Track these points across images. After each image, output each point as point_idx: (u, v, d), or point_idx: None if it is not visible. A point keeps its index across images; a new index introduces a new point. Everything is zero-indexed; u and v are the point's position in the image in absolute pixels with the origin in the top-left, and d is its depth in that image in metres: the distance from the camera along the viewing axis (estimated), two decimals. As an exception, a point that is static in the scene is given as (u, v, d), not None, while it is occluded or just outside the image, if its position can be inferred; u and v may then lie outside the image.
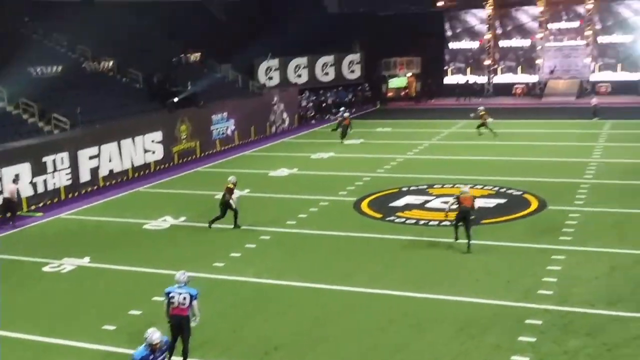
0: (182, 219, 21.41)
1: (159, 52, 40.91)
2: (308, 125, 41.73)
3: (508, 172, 25.58)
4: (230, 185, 20.05)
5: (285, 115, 40.46)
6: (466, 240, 16.89)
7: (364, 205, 22.03)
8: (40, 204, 23.94)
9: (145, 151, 29.06)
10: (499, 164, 27.66)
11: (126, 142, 27.92)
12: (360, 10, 52.40)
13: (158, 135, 29.61)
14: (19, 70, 30.01)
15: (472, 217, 17.39)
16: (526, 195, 22.29)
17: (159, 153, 29.79)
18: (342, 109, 36.68)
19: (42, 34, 36.33)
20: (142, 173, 28.73)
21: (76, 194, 25.40)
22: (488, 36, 51.24)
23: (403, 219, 20.28)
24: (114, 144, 27.27)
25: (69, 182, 25.16)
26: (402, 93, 52.21)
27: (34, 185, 23.78)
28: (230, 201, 19.81)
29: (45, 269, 17.16)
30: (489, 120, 32.72)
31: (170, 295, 11.49)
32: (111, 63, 35.40)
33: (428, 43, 50.76)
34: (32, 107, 28.37)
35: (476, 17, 51.78)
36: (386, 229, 19.36)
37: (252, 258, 17.35)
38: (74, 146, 25.49)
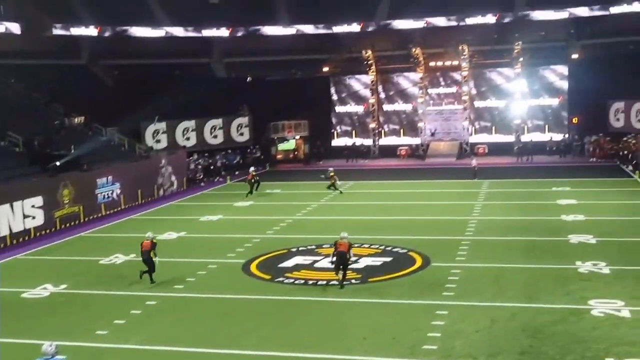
0: (63, 286, 20.55)
1: (40, 115, 39.95)
2: (197, 188, 41.37)
3: (394, 231, 26.25)
4: (151, 241, 20.30)
5: (173, 178, 40.03)
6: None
7: (253, 267, 21.96)
8: None
9: (25, 217, 27.84)
10: (386, 223, 28.34)
11: (3, 208, 26.65)
12: (247, 76, 53.12)
13: (38, 200, 28.50)
14: None
15: (350, 259, 19.36)
16: (411, 253, 22.91)
17: (39, 218, 28.64)
18: (251, 168, 37.59)
19: None
20: (21, 240, 27.46)
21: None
22: (372, 100, 53.07)
23: (292, 280, 20.33)
24: (-10, 210, 25.99)
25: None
26: (291, 155, 52.90)
27: None
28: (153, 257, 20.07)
29: None
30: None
31: None
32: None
33: (315, 107, 52.02)
34: None
35: (360, 82, 53.64)
36: (275, 290, 19.34)
37: (138, 325, 16.85)
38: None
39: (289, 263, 22.30)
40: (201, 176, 43.37)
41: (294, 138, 52.50)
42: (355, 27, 55.43)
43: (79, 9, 51.84)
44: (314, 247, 24.43)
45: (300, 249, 24.27)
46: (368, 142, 53.25)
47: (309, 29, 55.90)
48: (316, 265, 21.92)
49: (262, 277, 20.81)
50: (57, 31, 48.15)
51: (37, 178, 30.39)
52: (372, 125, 53.24)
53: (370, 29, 55.13)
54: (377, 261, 22.02)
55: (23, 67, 45.68)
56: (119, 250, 24.93)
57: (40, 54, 48.23)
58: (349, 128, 54.04)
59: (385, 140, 53.40)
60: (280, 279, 20.50)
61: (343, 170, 46.38)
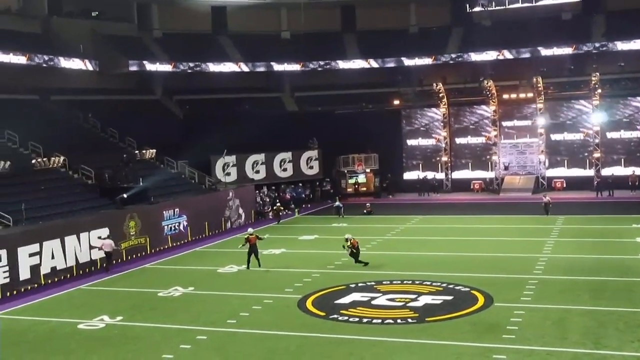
0: (119, 318, 20.61)
1: (114, 148, 40.94)
2: (265, 221, 41.39)
3: (459, 268, 25.37)
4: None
5: (241, 210, 40.17)
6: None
7: (309, 303, 21.49)
8: (-26, 304, 22.98)
9: (91, 248, 28.32)
10: (451, 259, 27.46)
11: (70, 239, 27.19)
12: (317, 109, 53.19)
13: (104, 232, 28.93)
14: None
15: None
16: (474, 292, 21.96)
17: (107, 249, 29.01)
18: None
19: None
20: (87, 270, 27.92)
21: (14, 292, 24.45)
22: (444, 134, 52.15)
23: (346, 317, 19.75)
24: (57, 241, 26.52)
25: (7, 280, 24.24)
26: (362, 189, 52.38)
27: (-32, 283, 22.88)
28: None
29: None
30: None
31: None
32: (62, 159, 35.11)
33: (385, 140, 51.51)
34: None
35: (431, 115, 52.83)
36: (329, 328, 18.79)
37: (185, 360, 16.63)
38: (13, 243, 24.73)
39: (345, 299, 21.73)
40: (269, 209, 43.35)
41: (365, 171, 52.01)
42: (426, 60, 55.01)
43: (153, 46, 53.46)
44: (373, 283, 23.78)
45: (359, 285, 23.67)
46: (440, 175, 52.21)
47: (379, 62, 55.86)
48: (373, 302, 21.27)
49: (316, 314, 20.30)
50: (132, 68, 49.51)
51: (104, 210, 30.93)
52: (444, 158, 52.24)
53: (441, 61, 54.55)
54: (437, 299, 21.19)
55: (99, 102, 47.13)
56: (178, 282, 24.98)
57: (116, 90, 49.69)
58: (419, 161, 53.15)
59: (457, 174, 52.23)
60: (335, 315, 19.95)
61: (413, 204, 45.73)
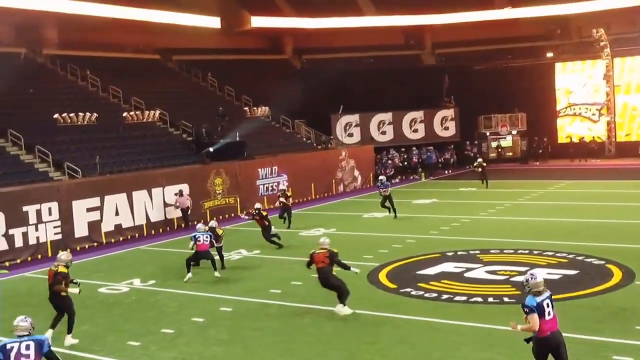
0: (150, 282, 17.11)
1: (225, 107, 37.82)
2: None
3: (599, 237, 19.50)
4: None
5: (356, 172, 35.82)
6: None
7: (383, 273, 16.78)
8: (19, 260, 20.54)
9: (166, 205, 25.24)
10: (590, 226, 21.53)
11: (139, 194, 24.22)
12: (455, 64, 47.30)
13: (182, 188, 25.75)
14: (45, 117, 27.93)
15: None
16: (609, 265, 16.17)
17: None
18: (381, 178, 26.63)
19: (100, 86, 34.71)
20: (160, 230, 24.90)
21: (68, 250, 21.71)
22: (607, 89, 44.40)
23: (422, 292, 14.85)
24: (122, 196, 23.63)
25: (58, 236, 21.61)
26: (508, 153, 45.98)
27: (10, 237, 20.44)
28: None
29: None
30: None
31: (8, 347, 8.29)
32: (157, 113, 32.56)
33: (534, 99, 44.72)
34: (46, 154, 25.77)
35: (591, 70, 45.18)
36: (389, 304, 14.06)
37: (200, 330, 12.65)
38: (67, 196, 22.04)
39: (432, 270, 16.79)
40: (392, 172, 38.63)
41: (510, 133, 45.57)
42: (586, 6, 47.08)
43: (279, 1, 49.98)
44: (477, 252, 18.56)
45: (460, 253, 18.57)
46: (600, 138, 44.63)
47: (530, 11, 48.68)
48: (467, 275, 16.18)
49: (385, 286, 15.58)
50: (256, 24, 46.30)
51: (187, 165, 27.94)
52: (607, 119, 44.52)
53: (603, 7, 46.46)
54: (555, 274, 15.66)
55: (219, 62, 44.50)
56: (247, 245, 21.23)
57: (237, 50, 46.88)
58: (575, 122, 45.77)
59: (622, 137, 44.36)
60: (408, 289, 15.12)
61: (564, 170, 39.08)
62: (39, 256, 21.13)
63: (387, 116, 42.94)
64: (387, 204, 25.20)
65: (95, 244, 22.64)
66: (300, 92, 41.30)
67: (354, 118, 42.00)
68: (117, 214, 23.51)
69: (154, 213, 24.84)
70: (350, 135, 41.72)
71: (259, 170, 29.71)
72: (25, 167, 25.38)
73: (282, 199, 24.68)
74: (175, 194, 25.01)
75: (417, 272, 16.63)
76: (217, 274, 17.10)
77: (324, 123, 40.58)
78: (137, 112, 31.99)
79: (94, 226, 22.70)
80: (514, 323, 8.98)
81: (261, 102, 39.80)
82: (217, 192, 27.50)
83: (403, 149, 41.59)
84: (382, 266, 17.41)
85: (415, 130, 43.83)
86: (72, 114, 28.93)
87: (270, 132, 37.67)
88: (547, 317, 8.74)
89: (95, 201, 22.82)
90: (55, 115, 28.43)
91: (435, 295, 14.54)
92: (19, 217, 20.59)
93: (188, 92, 38.86)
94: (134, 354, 11.84)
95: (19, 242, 20.56)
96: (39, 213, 21.14)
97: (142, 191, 24.41)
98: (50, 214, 21.48)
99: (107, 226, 23.15)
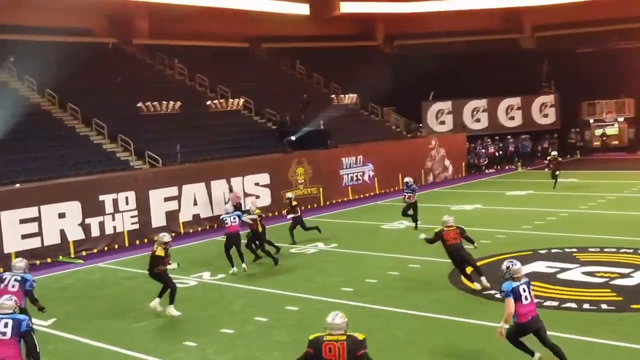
0: (220, 276, 16.40)
1: (313, 95, 36.89)
2: (478, 175, 35.04)
3: None
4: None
5: (447, 162, 34.19)
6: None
7: (467, 272, 15.34)
8: (95, 250, 20.37)
9: (246, 195, 24.60)
10: None
11: (218, 184, 23.67)
12: (556, 47, 44.51)
13: (263, 178, 25.08)
14: (129, 106, 27.95)
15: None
16: None
17: (265, 198, 25.19)
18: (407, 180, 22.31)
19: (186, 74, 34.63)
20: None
21: (145, 240, 21.45)
22: None
23: (507, 295, 13.37)
24: (200, 185, 23.13)
25: (135, 226, 21.31)
26: (613, 142, 42.93)
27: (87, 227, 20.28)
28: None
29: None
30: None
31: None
32: (241, 101, 32.05)
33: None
34: (128, 143, 25.69)
35: None
36: (467, 308, 12.71)
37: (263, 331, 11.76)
38: (144, 185, 21.71)
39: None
40: (485, 162, 36.74)
41: (616, 121, 42.51)
42: None
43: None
44: (574, 250, 16.85)
45: (554, 251, 16.92)
46: None
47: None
48: (560, 276, 14.58)
49: (467, 287, 14.20)
50: (345, 10, 45.12)
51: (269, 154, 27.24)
52: None
53: None
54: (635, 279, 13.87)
55: (308, 49, 43.64)
56: (323, 237, 20.24)
57: (327, 37, 45.89)
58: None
59: None
60: (492, 291, 13.67)
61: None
62: (116, 246, 20.91)
63: (482, 103, 40.86)
64: (411, 211, 21.16)
65: (174, 234, 22.14)
66: (390, 78, 39.86)
67: (446, 105, 40.22)
68: (195, 203, 23.02)
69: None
70: (442, 123, 39.98)
71: (343, 159, 28.64)
72: (107, 155, 25.37)
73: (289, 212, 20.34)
74: (230, 189, 23.75)
75: (505, 272, 15.12)
76: (235, 270, 16.13)
77: (414, 111, 39.09)
78: (222, 101, 31.60)
79: (172, 216, 22.29)
80: (499, 330, 9.21)
81: (349, 89, 38.78)
82: (299, 182, 26.65)
83: (497, 137, 39.47)
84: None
85: (512, 118, 41.52)
86: (155, 103, 28.78)
87: (357, 120, 36.56)
88: (524, 302, 9.10)
89: (172, 190, 22.40)
90: (139, 104, 28.35)
91: (522, 299, 13.03)
92: (95, 207, 20.39)
93: (275, 80, 38.30)
94: (188, 356, 11.06)
95: (95, 232, 20.37)
96: (115, 202, 20.90)
97: (221, 180, 23.83)
98: (127, 203, 21.20)
99: (185, 216, 22.70)
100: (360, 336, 7.66)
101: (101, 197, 20.57)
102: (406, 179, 21.84)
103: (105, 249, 20.60)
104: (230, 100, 31.94)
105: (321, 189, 27.49)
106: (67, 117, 27.40)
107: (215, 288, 15.36)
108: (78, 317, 13.75)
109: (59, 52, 28.78)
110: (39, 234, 19.19)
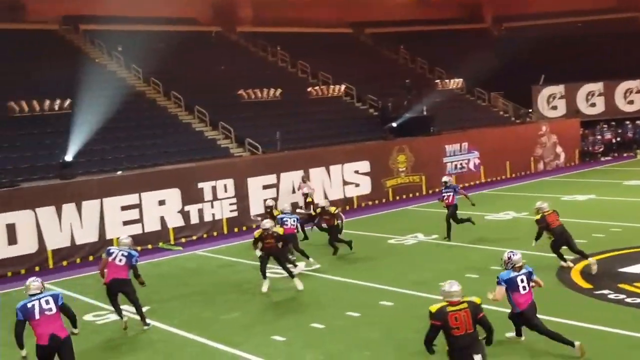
0: (315, 267, 15.96)
1: (417, 80, 35.91)
2: (593, 163, 33.07)
3: None
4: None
5: (559, 149, 32.41)
6: None
7: (577, 269, 14.23)
8: (194, 237, 20.48)
9: (345, 183, 24.12)
10: None
11: (317, 172, 23.29)
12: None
13: (363, 166, 24.50)
14: (231, 93, 28.07)
15: None
16: None
17: (364, 187, 24.62)
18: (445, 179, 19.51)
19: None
20: (339, 209, 23.74)
21: (243, 227, 21.38)
22: None
23: (622, 295, 12.22)
24: (298, 173, 22.80)
25: (234, 213, 21.26)
26: None
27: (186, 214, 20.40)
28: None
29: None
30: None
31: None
32: (342, 88, 31.58)
33: None
34: (229, 131, 25.79)
35: None
36: (579, 310, 11.64)
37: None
38: (243, 172, 21.62)
39: (638, 267, 13.96)
40: (601, 149, 34.64)
41: None
42: None
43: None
44: (701, 246, 15.33)
45: (677, 247, 15.45)
46: None
47: None
48: (683, 275, 13.21)
49: (578, 286, 13.11)
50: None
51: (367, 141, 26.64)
52: None
53: None
54: None
55: (412, 34, 42.56)
56: (424, 228, 19.46)
57: (433, 21, 44.62)
58: None
59: None
60: (605, 291, 12.55)
61: None
62: (215, 233, 20.95)
63: (597, 86, 38.43)
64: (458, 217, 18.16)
65: (300, 210, 21.93)
66: (498, 62, 38.25)
67: (559, 89, 38.11)
68: (293, 192, 22.73)
69: (332, 191, 23.78)
70: (554, 108, 37.94)
71: (447, 146, 27.62)
72: (208, 143, 25.53)
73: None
74: (302, 179, 22.56)
75: (620, 270, 13.89)
76: (311, 260, 15.91)
77: (523, 95, 37.28)
78: (323, 87, 31.24)
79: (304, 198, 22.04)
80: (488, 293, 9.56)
81: (455, 73, 37.51)
82: (400, 169, 25.89)
83: (614, 123, 37.09)
84: (576, 260, 14.80)
85: (631, 102, 38.82)
86: (256, 90, 28.76)
87: (462, 106, 35.33)
88: (522, 292, 9.46)
89: (271, 178, 22.20)
90: (240, 92, 28.40)
91: (639, 301, 11.87)
92: (194, 194, 20.46)
93: (378, 66, 37.51)
94: (275, 352, 10.66)
95: (194, 219, 20.44)
96: (214, 189, 20.91)
97: (320, 168, 23.44)
98: (225, 190, 21.17)
99: (283, 204, 22.36)
100: (477, 300, 8.14)
101: (200, 185, 20.63)
102: (444, 178, 19.02)
103: (204, 236, 20.65)
104: (332, 86, 31.50)
105: (423, 177, 26.62)
106: (171, 105, 27.79)
107: (308, 279, 14.91)
108: (171, 306, 13.70)
109: (164, 41, 29.30)
110: (140, 220, 19.43)
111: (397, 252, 17.10)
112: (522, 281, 9.45)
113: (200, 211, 20.57)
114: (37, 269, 17.73)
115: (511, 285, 9.42)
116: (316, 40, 37.53)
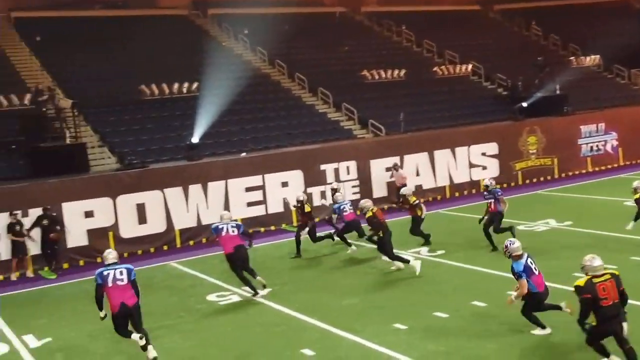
0: (439, 252, 15.40)
1: (550, 56, 34.13)
2: None
3: None
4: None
5: None
6: None
7: None
8: (317, 219, 20.31)
9: (471, 166, 23.27)
10: None
11: (441, 154, 22.58)
12: None
13: (491, 147, 23.53)
14: (354, 74, 27.78)
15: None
16: None
17: (492, 169, 23.65)
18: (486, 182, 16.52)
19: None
20: (464, 192, 23.06)
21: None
22: None
23: None
24: (423, 155, 22.21)
25: (357, 195, 20.94)
26: None
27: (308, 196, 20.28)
28: None
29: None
30: None
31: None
32: (469, 67, 30.49)
33: None
34: (352, 112, 25.54)
35: None
36: None
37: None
38: (365, 155, 21.28)
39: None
40: None
41: None
42: None
43: None
44: None
45: None
46: None
47: None
48: None
49: None
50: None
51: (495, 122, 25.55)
52: None
53: None
54: None
55: (545, 9, 40.49)
56: (556, 214, 18.41)
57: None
58: None
59: None
60: None
61: None
62: (335, 216, 20.68)
63: None
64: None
65: (394, 205, 21.53)
66: (639, 36, 35.71)
67: None
68: (417, 174, 22.17)
69: (457, 174, 23.02)
70: None
71: (582, 127, 26.04)
72: (331, 124, 25.37)
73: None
74: (394, 167, 21.61)
75: None
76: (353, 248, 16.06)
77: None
78: (449, 66, 30.30)
79: (393, 187, 21.60)
80: (510, 298, 9.77)
81: (591, 50, 35.29)
82: (530, 152, 24.68)
83: None
84: None
85: None
86: (380, 70, 28.30)
87: (599, 84, 33.17)
88: (536, 273, 9.64)
89: (395, 160, 21.72)
90: (364, 72, 28.05)
91: None
92: (317, 176, 20.36)
93: (507, 43, 35.99)
94: (396, 341, 10.25)
95: (316, 201, 20.32)
96: (336, 171, 20.73)
97: (445, 150, 22.71)
98: (348, 172, 20.94)
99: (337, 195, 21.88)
100: (617, 272, 8.40)
101: (322, 167, 20.50)
102: (486, 181, 16.02)
103: (327, 218, 20.45)
104: (458, 65, 30.50)
105: (555, 160, 25.26)
106: (295, 86, 27.86)
107: (432, 265, 14.40)
108: (291, 289, 13.63)
109: (288, 23, 29.38)
110: (263, 201, 19.56)
111: (527, 239, 16.14)
112: (531, 263, 9.65)
113: (323, 193, 20.41)
114: (165, 247, 18.25)
115: (527, 272, 9.53)
116: (442, 18, 36.48)
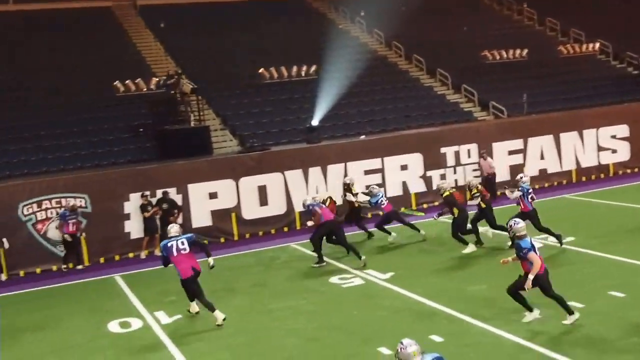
0: (569, 239, 14.74)
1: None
2: None
3: None
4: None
5: None
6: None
7: None
8: (436, 202, 20.01)
9: (600, 149, 22.17)
10: None
11: (568, 136, 21.64)
12: None
13: (622, 130, 22.32)
14: (473, 55, 27.04)
15: None
16: None
17: (622, 153, 22.45)
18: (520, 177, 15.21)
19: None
20: (592, 177, 22.03)
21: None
22: None
23: None
24: (547, 138, 21.34)
25: (477, 180, 20.38)
26: None
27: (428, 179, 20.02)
28: None
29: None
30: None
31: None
32: (597, 45, 28.99)
33: None
34: (472, 94, 24.90)
35: None
36: None
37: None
38: (486, 138, 20.67)
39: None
40: None
41: None
42: None
43: None
44: None
45: None
46: None
47: None
48: None
49: None
50: None
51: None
52: None
53: None
54: None
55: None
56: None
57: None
58: None
59: None
60: None
61: None
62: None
63: None
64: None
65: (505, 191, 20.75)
66: None
67: None
68: (542, 157, 21.34)
69: (585, 158, 21.99)
70: None
71: None
72: (450, 106, 24.88)
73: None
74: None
75: None
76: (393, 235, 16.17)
77: None
78: (574, 45, 28.95)
79: (516, 170, 20.84)
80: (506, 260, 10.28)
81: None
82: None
83: None
84: None
85: None
86: (501, 50, 27.41)
87: None
88: (538, 254, 9.68)
89: (517, 143, 21.03)
90: (484, 53, 27.25)
91: None
92: (436, 159, 19.99)
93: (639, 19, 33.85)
94: (522, 329, 9.86)
95: (436, 185, 19.88)
96: (457, 155, 20.27)
97: (572, 133, 21.72)
98: (469, 156, 20.44)
99: (530, 171, 21.11)
100: None
101: (442, 150, 20.10)
102: (520, 175, 14.90)
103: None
104: (585, 44, 29.07)
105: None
106: (412, 68, 27.48)
107: (564, 253, 13.78)
108: (414, 273, 13.43)
109: (405, 4, 28.93)
110: (382, 185, 19.37)
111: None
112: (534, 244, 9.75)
113: (443, 177, 20.00)
114: (285, 229, 18.45)
115: (534, 249, 9.63)
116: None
